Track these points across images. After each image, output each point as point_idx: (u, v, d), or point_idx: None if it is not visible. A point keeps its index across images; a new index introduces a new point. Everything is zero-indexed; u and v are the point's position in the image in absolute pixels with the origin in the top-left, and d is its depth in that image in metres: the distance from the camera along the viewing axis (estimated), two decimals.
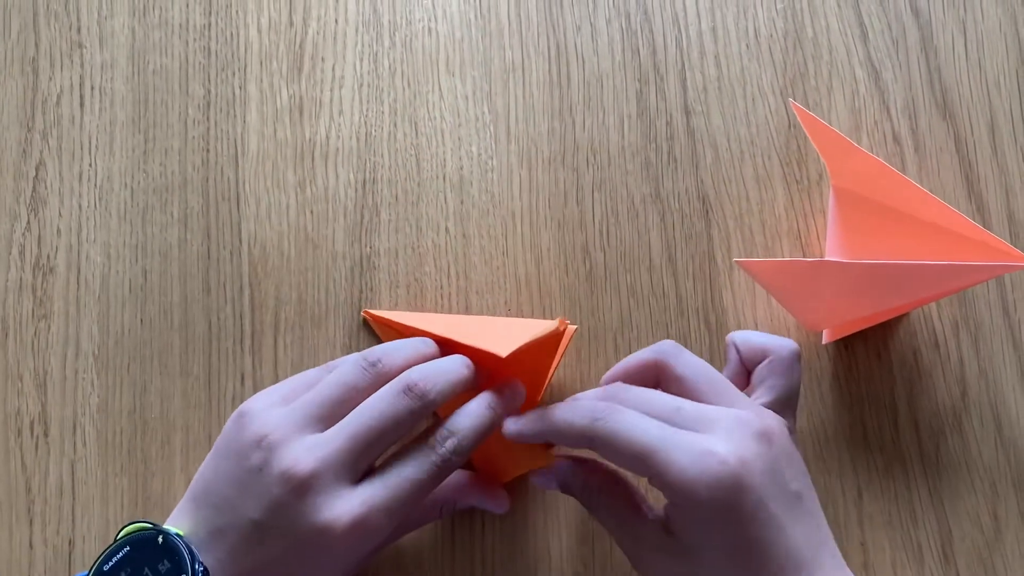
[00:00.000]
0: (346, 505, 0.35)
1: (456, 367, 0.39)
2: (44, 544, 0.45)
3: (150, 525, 0.37)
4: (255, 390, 0.46)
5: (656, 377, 0.39)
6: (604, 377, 0.41)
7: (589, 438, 0.36)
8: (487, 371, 0.40)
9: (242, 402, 0.45)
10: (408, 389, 0.37)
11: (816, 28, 0.49)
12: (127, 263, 0.48)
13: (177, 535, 0.36)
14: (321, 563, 0.36)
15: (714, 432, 0.35)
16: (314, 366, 0.45)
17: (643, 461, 0.34)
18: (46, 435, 0.46)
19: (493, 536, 0.44)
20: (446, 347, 0.41)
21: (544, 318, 0.47)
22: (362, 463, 0.37)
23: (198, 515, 0.37)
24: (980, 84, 0.48)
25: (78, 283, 0.48)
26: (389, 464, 0.37)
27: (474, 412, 0.38)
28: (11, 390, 0.46)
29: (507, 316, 0.47)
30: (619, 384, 0.39)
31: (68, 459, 0.46)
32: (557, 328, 0.39)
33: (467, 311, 0.47)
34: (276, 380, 0.46)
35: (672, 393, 0.38)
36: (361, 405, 0.37)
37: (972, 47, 0.49)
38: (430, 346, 0.41)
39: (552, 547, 0.44)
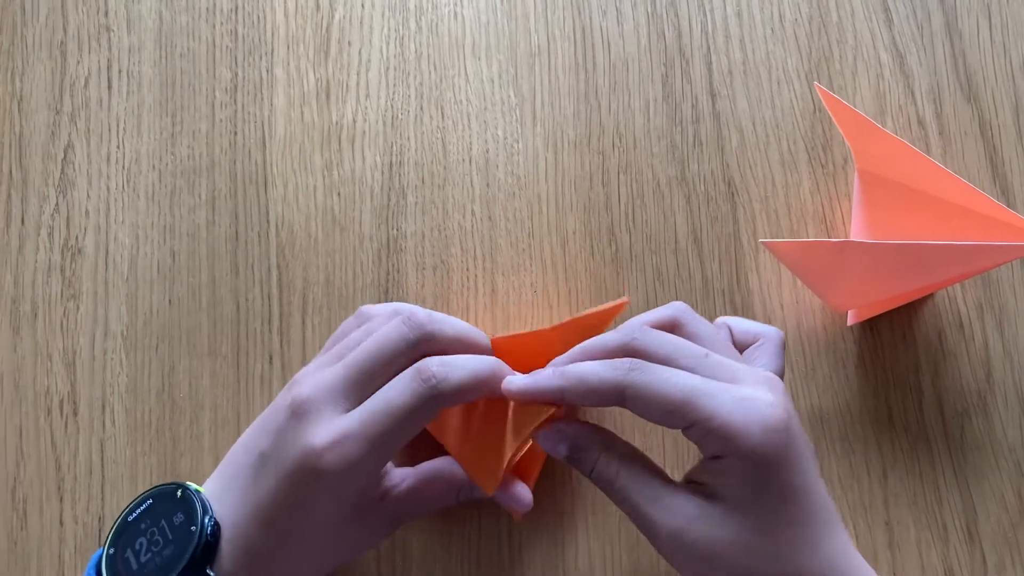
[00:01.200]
0: (328, 428, 0.35)
1: (466, 327, 0.39)
2: (74, 521, 0.45)
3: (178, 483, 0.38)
4: (283, 370, 0.46)
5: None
6: (620, 327, 0.38)
7: (622, 390, 0.34)
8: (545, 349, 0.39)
9: (270, 382, 0.46)
10: (408, 320, 0.38)
11: (841, 12, 0.50)
12: (155, 244, 0.48)
13: (196, 491, 0.37)
14: (314, 498, 0.35)
15: (745, 383, 0.34)
16: None
17: (683, 409, 0.33)
18: (75, 414, 0.46)
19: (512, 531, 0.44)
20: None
21: (570, 300, 0.47)
22: (359, 393, 0.36)
23: (228, 462, 0.38)
24: (1005, 68, 0.48)
25: (106, 264, 0.48)
26: (378, 392, 0.36)
27: (472, 359, 0.37)
28: (41, 370, 0.47)
29: (535, 299, 0.47)
30: (640, 326, 0.37)
31: (97, 438, 0.46)
32: (622, 302, 0.39)
33: (493, 293, 0.47)
34: (304, 361, 0.46)
35: None
36: (366, 340, 0.38)
37: (997, 31, 0.49)
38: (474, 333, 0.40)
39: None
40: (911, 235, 0.42)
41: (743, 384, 0.34)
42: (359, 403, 0.36)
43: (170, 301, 0.48)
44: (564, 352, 0.37)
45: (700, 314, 0.46)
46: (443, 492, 0.42)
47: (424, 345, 0.37)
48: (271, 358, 0.47)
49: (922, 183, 0.42)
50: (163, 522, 0.36)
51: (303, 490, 0.35)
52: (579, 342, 0.37)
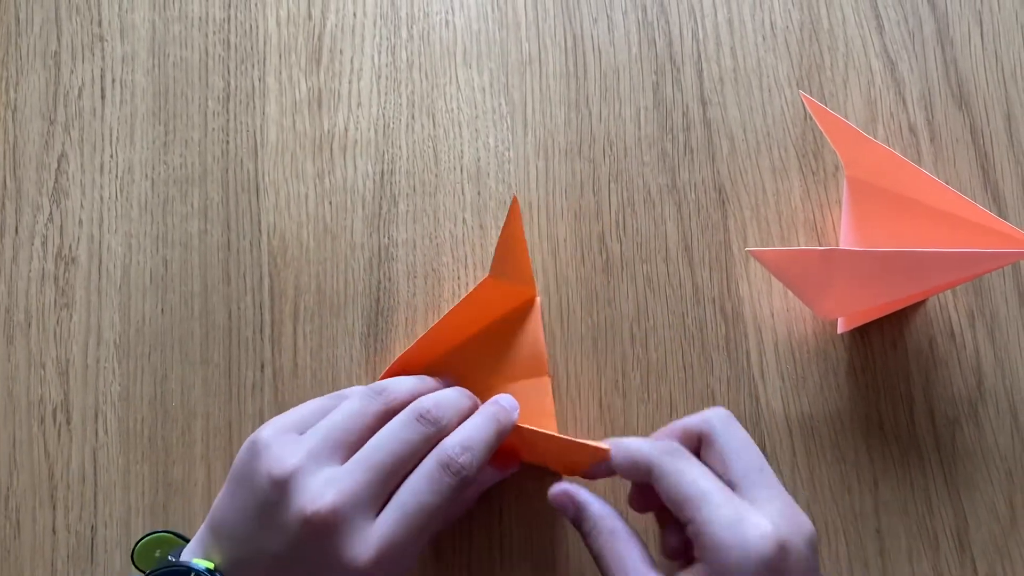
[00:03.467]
0: (370, 542, 0.34)
1: (460, 398, 0.40)
2: (67, 529, 0.45)
3: (174, 537, 0.38)
4: (275, 378, 0.46)
5: (698, 443, 0.39)
6: (653, 435, 0.40)
7: (650, 468, 0.36)
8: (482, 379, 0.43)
9: (261, 390, 0.46)
10: (421, 416, 0.37)
11: (832, 20, 0.50)
12: (148, 253, 0.48)
13: (208, 569, 0.35)
14: None
15: (761, 504, 0.35)
16: (333, 355, 0.46)
17: (687, 505, 0.35)
18: (68, 423, 0.47)
19: (510, 520, 0.44)
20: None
21: (560, 309, 0.47)
22: (383, 495, 0.36)
23: (219, 546, 0.36)
24: (996, 75, 0.48)
25: (100, 273, 0.48)
26: (407, 491, 0.36)
27: (481, 425, 0.38)
28: (34, 378, 0.47)
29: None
30: (726, 415, 0.38)
31: (90, 446, 0.46)
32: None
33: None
34: (296, 369, 0.46)
35: (709, 464, 0.37)
36: (376, 435, 0.37)
37: (988, 38, 0.49)
38: (428, 382, 0.42)
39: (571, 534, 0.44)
40: (900, 242, 0.42)
41: (758, 505, 0.35)
42: (383, 504, 0.36)
43: (162, 310, 0.48)
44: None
45: (690, 323, 0.46)
46: (466, 503, 0.44)
47: (440, 436, 0.38)
48: (263, 366, 0.47)
49: (911, 191, 0.42)
50: None
51: None
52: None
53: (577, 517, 0.38)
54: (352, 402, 0.38)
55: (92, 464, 0.46)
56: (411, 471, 0.37)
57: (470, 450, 0.37)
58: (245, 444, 0.37)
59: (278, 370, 0.47)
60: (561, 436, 0.40)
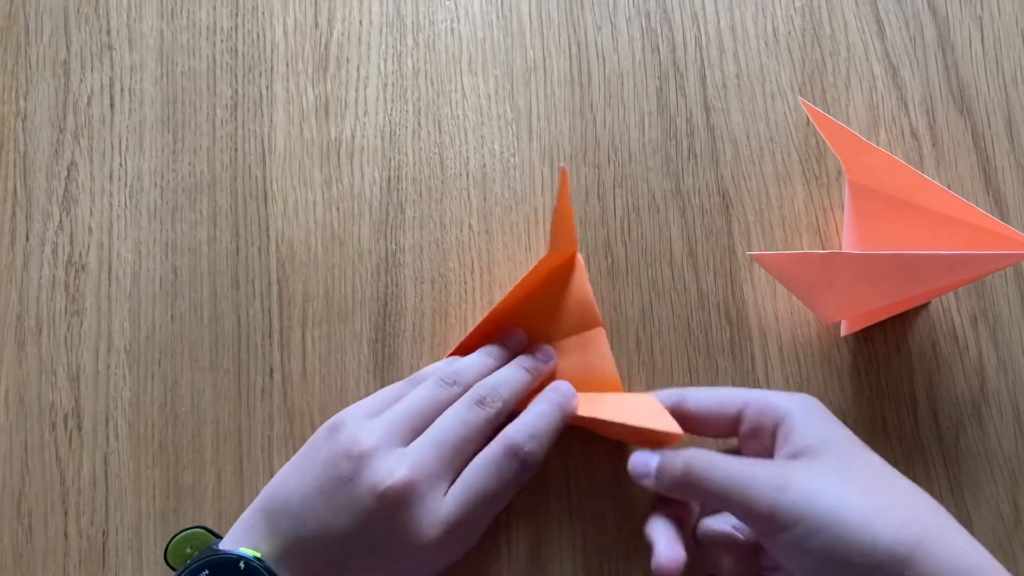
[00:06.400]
0: (439, 517, 0.36)
1: (517, 374, 0.42)
2: (79, 535, 0.46)
3: (207, 533, 0.38)
4: (284, 383, 0.47)
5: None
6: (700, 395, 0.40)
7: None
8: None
9: (270, 395, 0.46)
10: (480, 401, 0.40)
11: (834, 25, 0.50)
12: (157, 260, 0.49)
13: (257, 558, 0.35)
14: (421, 574, 0.37)
15: None
16: (341, 360, 0.47)
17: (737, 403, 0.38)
18: (79, 428, 0.47)
19: (516, 521, 0.45)
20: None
21: None
22: (451, 473, 0.38)
23: (276, 526, 0.37)
24: (997, 79, 0.49)
25: (110, 280, 0.49)
26: (474, 473, 0.38)
27: (548, 413, 0.40)
28: (45, 384, 0.48)
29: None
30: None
31: (101, 452, 0.47)
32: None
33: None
34: (304, 373, 0.47)
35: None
36: (440, 418, 0.39)
37: (989, 43, 0.49)
38: (492, 355, 0.43)
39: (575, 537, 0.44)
40: (901, 245, 0.43)
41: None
42: (452, 480, 0.38)
43: (172, 316, 0.48)
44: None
45: (695, 327, 0.47)
46: None
47: (501, 416, 0.40)
48: (271, 371, 0.47)
49: (911, 195, 0.42)
50: None
51: (409, 570, 0.36)
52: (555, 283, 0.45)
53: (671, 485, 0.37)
54: (424, 388, 0.41)
55: (103, 469, 0.46)
56: (476, 452, 0.39)
57: (536, 438, 0.39)
58: (323, 426, 0.40)
59: (287, 375, 0.47)
60: (624, 423, 0.40)
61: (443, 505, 0.36)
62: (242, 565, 0.35)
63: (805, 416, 0.36)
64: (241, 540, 0.37)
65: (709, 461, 0.35)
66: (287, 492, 0.37)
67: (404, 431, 0.38)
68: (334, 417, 0.40)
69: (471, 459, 0.39)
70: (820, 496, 0.32)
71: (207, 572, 0.35)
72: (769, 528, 0.32)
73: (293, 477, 0.38)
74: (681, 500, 0.39)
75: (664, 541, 0.36)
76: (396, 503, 0.35)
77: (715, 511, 0.40)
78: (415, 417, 0.39)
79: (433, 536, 0.36)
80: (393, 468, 0.36)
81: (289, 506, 0.37)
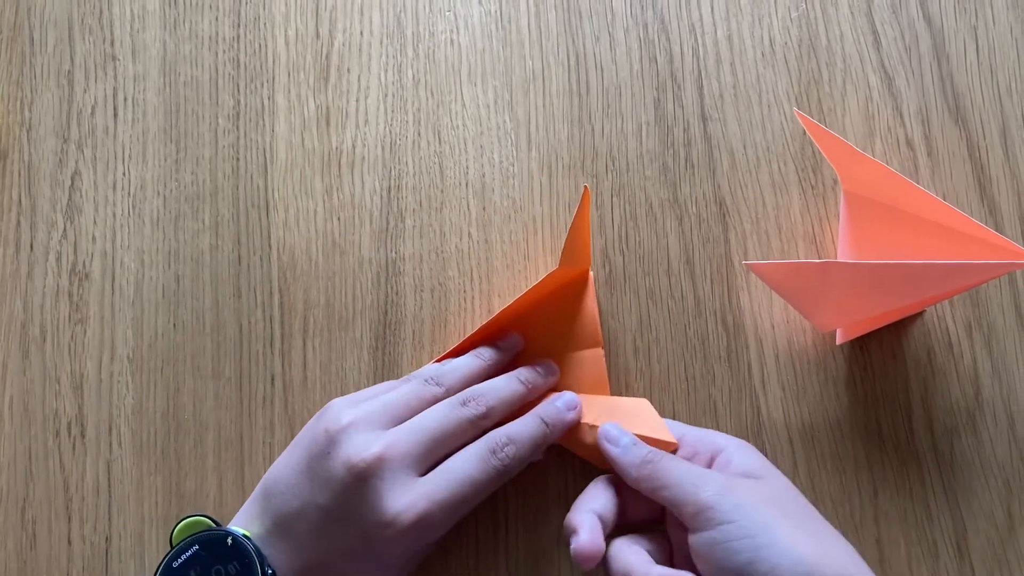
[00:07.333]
0: (409, 496, 0.37)
1: (509, 384, 0.42)
2: (82, 541, 0.46)
3: (209, 521, 0.39)
4: (285, 391, 0.47)
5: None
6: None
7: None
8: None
9: (272, 403, 0.47)
10: (467, 401, 0.41)
11: (830, 36, 0.50)
12: (160, 269, 0.49)
13: (245, 536, 0.37)
14: (380, 555, 0.37)
15: None
16: (342, 368, 0.47)
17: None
18: (83, 436, 0.47)
19: (514, 509, 0.45)
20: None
21: None
22: (425, 461, 0.39)
23: (267, 504, 0.39)
24: (992, 89, 0.49)
25: (113, 288, 0.49)
26: (455, 461, 0.39)
27: (529, 424, 0.41)
28: (49, 392, 0.48)
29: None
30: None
31: (104, 459, 0.47)
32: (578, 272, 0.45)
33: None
34: (305, 381, 0.47)
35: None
36: (423, 412, 0.40)
37: (984, 53, 0.50)
38: (483, 356, 0.44)
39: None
40: (896, 254, 0.43)
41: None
42: (427, 469, 0.39)
43: (175, 324, 0.49)
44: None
45: (692, 335, 0.47)
46: None
47: (486, 422, 0.41)
48: (273, 379, 0.48)
49: (906, 205, 0.43)
50: (215, 570, 0.36)
51: (378, 547, 0.37)
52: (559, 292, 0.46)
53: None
54: (410, 384, 0.42)
55: (106, 476, 0.47)
56: (456, 448, 0.40)
57: (514, 443, 0.40)
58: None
59: (288, 383, 0.47)
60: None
61: (418, 485, 0.37)
62: (230, 541, 0.37)
63: (743, 449, 0.40)
64: (238, 522, 0.39)
65: (671, 456, 0.39)
66: (277, 473, 0.40)
67: (385, 418, 0.39)
68: (327, 404, 0.41)
69: (451, 454, 0.40)
70: (754, 509, 0.35)
71: (197, 547, 0.37)
72: (705, 523, 0.35)
73: (283, 460, 0.40)
74: (628, 484, 0.40)
75: (588, 528, 0.38)
76: (365, 477, 0.37)
77: (632, 525, 0.41)
78: (398, 407, 0.40)
79: (401, 511, 0.36)
80: (368, 444, 0.37)
81: (277, 486, 0.39)
